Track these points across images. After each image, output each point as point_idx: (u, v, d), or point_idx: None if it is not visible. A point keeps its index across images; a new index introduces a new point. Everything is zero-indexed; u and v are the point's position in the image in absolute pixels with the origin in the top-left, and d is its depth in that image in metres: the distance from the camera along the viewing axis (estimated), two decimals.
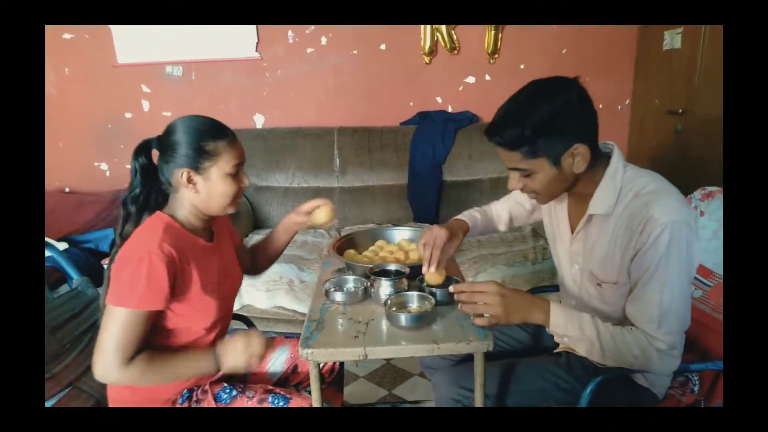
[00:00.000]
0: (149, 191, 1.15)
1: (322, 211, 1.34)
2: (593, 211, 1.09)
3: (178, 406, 1.15)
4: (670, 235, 0.98)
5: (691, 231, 1.00)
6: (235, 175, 1.13)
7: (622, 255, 1.06)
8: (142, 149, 1.15)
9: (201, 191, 1.11)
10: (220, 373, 1.15)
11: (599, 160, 1.08)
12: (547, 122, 0.98)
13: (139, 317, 1.03)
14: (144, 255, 1.02)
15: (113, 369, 1.02)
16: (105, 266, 1.14)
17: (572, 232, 1.20)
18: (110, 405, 1.18)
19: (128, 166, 3.53)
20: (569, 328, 1.06)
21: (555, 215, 1.27)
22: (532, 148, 1.00)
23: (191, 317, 1.13)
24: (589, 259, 1.15)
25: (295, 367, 1.37)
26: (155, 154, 1.15)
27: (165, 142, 1.12)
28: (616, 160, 1.08)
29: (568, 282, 1.27)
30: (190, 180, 1.10)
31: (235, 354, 1.10)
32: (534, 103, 0.99)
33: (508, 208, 1.48)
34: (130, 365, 1.03)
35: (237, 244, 1.38)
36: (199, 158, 1.09)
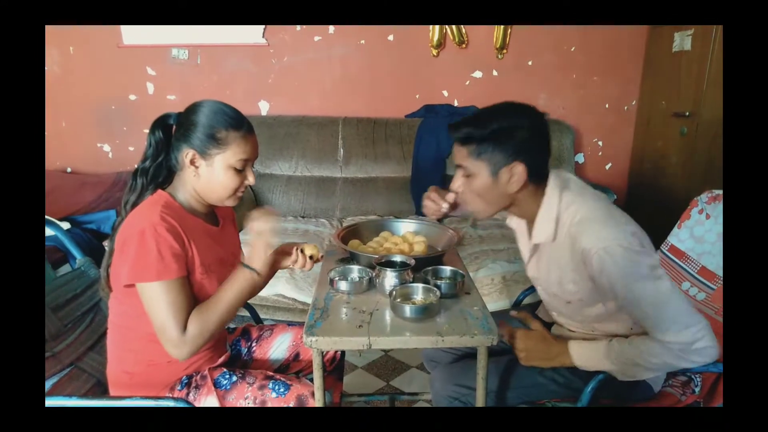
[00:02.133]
0: (159, 166, 1.14)
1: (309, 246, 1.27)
2: (536, 240, 1.16)
3: (176, 392, 1.15)
4: (609, 258, 1.01)
5: (622, 243, 1.01)
6: (240, 170, 1.11)
7: (581, 277, 1.10)
8: (160, 123, 1.13)
9: (202, 177, 1.10)
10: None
11: (539, 192, 1.13)
12: (498, 132, 1.06)
13: (169, 287, 1.02)
14: (147, 227, 1.02)
15: (179, 344, 1.02)
16: (106, 245, 1.14)
17: (527, 258, 1.26)
18: (110, 390, 1.18)
19: (131, 149, 3.52)
20: (594, 364, 1.12)
21: (519, 241, 1.33)
22: (478, 149, 1.08)
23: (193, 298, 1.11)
24: (547, 282, 1.21)
25: (297, 354, 1.38)
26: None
27: (183, 119, 1.11)
28: (552, 191, 1.12)
29: (543, 296, 1.31)
30: (193, 162, 1.09)
31: (256, 251, 1.09)
32: (496, 114, 1.08)
33: None
34: (187, 331, 1.02)
35: (236, 242, 1.36)
36: (207, 143, 1.07)
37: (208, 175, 1.10)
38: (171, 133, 1.13)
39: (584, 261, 1.05)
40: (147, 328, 1.06)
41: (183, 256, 1.05)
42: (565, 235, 1.09)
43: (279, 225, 1.11)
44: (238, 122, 1.10)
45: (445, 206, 1.31)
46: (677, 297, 1.03)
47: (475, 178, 1.10)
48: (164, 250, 1.02)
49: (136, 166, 1.15)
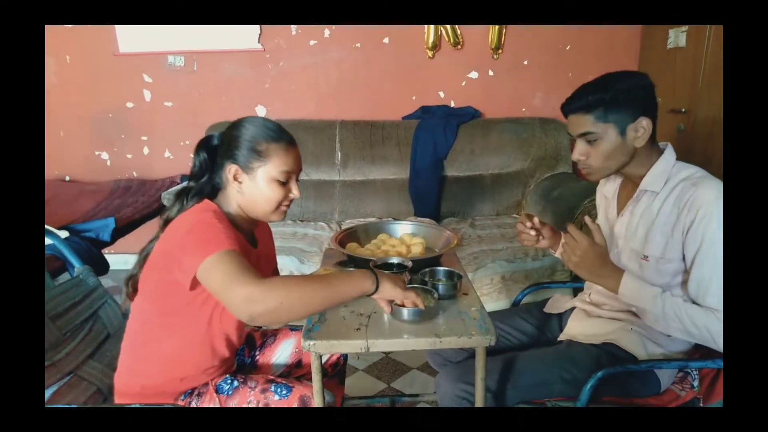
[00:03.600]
0: (203, 185, 1.14)
1: None
2: (644, 187, 1.20)
3: (180, 401, 1.15)
4: (718, 211, 1.06)
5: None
6: (284, 183, 1.11)
7: (671, 232, 1.14)
8: (204, 144, 1.15)
9: (245, 191, 1.11)
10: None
11: (655, 150, 1.20)
12: (624, 92, 1.13)
13: (237, 255, 0.97)
14: (203, 219, 1.03)
15: (251, 290, 0.91)
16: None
17: (618, 215, 1.29)
18: (116, 397, 1.18)
19: (129, 156, 3.53)
20: (637, 299, 1.15)
21: (606, 205, 1.36)
22: (606, 112, 1.14)
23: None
24: (632, 238, 1.23)
25: (299, 361, 1.37)
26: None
27: (225, 137, 1.12)
28: (670, 151, 1.20)
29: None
30: (236, 177, 1.10)
31: (392, 283, 1.06)
32: (615, 78, 1.16)
33: None
34: (265, 279, 0.94)
35: (273, 266, 1.37)
36: (249, 157, 1.08)
37: (251, 189, 1.10)
38: (215, 153, 1.14)
39: (690, 207, 1.09)
40: (174, 344, 1.07)
41: (236, 236, 1.04)
42: (672, 189, 1.15)
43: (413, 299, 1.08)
44: (278, 134, 1.11)
45: (533, 232, 1.37)
46: None
47: (602, 141, 1.16)
48: (225, 231, 1.01)
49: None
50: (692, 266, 1.11)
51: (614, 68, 1.19)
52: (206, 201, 1.12)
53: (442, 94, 3.12)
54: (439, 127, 2.93)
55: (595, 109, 1.14)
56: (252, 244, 1.21)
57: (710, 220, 1.06)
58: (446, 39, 2.99)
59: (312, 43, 3.01)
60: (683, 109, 2.54)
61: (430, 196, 2.88)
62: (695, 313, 1.08)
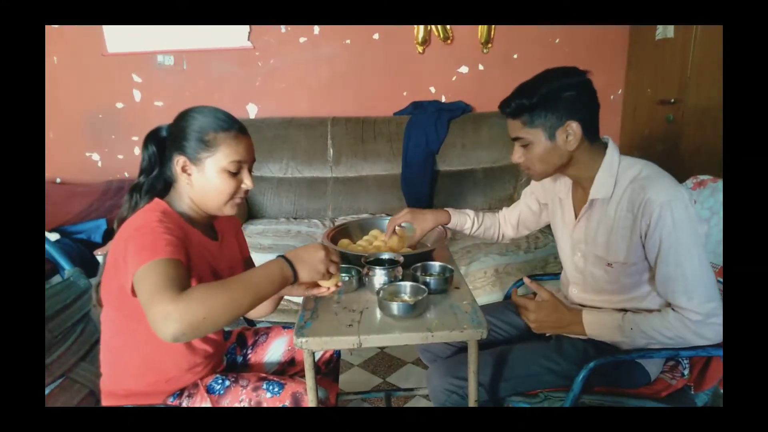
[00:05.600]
0: (154, 180, 1.10)
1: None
2: (594, 196, 1.17)
3: (169, 403, 1.14)
4: (671, 213, 1.06)
5: (686, 205, 1.07)
6: (234, 173, 1.07)
7: (630, 236, 1.13)
8: (152, 136, 1.11)
9: (195, 184, 1.07)
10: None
11: (598, 148, 1.17)
12: (547, 96, 1.10)
13: (168, 264, 0.89)
14: (143, 224, 0.97)
15: (170, 308, 0.81)
16: (98, 255, 1.12)
17: (575, 219, 1.27)
18: (103, 401, 1.16)
19: (120, 157, 3.48)
20: (604, 334, 1.18)
21: (561, 207, 1.33)
22: (531, 118, 1.13)
23: None
24: (593, 243, 1.22)
25: (292, 359, 1.37)
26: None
27: (174, 127, 1.08)
28: (612, 151, 1.17)
29: (571, 270, 1.32)
30: (185, 169, 1.06)
31: (307, 259, 0.99)
32: (540, 81, 1.13)
33: (517, 211, 1.54)
34: (185, 294, 0.83)
35: (245, 256, 1.34)
36: (197, 147, 1.04)
37: (201, 181, 1.06)
38: (164, 145, 1.10)
39: (643, 212, 1.08)
40: (146, 347, 1.05)
41: (178, 243, 0.96)
42: (623, 191, 1.13)
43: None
44: (227, 123, 1.06)
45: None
46: (710, 271, 1.08)
47: (533, 145, 1.15)
48: (164, 236, 0.95)
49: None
50: (656, 267, 1.11)
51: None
52: (156, 200, 1.08)
53: (432, 89, 3.11)
54: (430, 122, 2.93)
55: (521, 115, 1.13)
56: (212, 237, 1.17)
57: (665, 223, 1.06)
58: (436, 34, 2.99)
59: (302, 40, 3.00)
60: (672, 100, 2.55)
61: (422, 191, 2.88)
62: (657, 323, 1.10)
